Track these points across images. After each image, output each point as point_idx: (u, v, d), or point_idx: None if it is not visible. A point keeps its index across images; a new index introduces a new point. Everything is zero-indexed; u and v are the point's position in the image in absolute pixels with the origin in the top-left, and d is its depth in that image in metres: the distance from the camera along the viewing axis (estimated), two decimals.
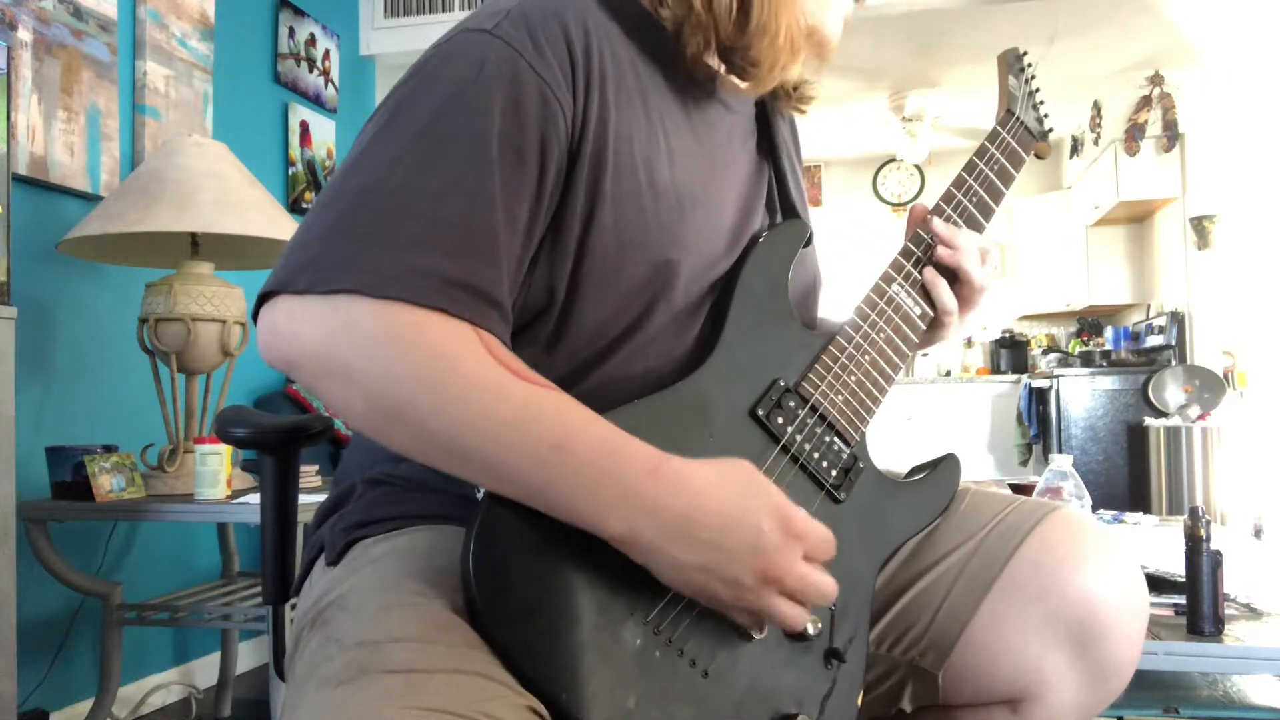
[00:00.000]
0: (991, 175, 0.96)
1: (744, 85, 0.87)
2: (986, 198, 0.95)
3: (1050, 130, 1.05)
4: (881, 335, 0.86)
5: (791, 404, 0.79)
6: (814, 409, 0.80)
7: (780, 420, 0.78)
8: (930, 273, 0.90)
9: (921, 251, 0.91)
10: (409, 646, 0.61)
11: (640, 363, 0.78)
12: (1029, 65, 1.05)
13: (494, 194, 0.69)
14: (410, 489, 0.79)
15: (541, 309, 0.76)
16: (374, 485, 0.81)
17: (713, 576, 0.66)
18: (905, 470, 0.91)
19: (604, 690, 0.63)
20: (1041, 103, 1.04)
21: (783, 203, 0.93)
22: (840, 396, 0.82)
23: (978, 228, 0.93)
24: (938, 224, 0.91)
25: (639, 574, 0.66)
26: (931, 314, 0.91)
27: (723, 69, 0.86)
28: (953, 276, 0.91)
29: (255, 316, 0.70)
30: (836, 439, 0.81)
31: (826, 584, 0.69)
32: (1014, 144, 0.98)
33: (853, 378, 0.83)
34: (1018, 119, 1.00)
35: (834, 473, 0.80)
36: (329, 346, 0.66)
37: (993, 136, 0.98)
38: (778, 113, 0.96)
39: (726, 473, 0.68)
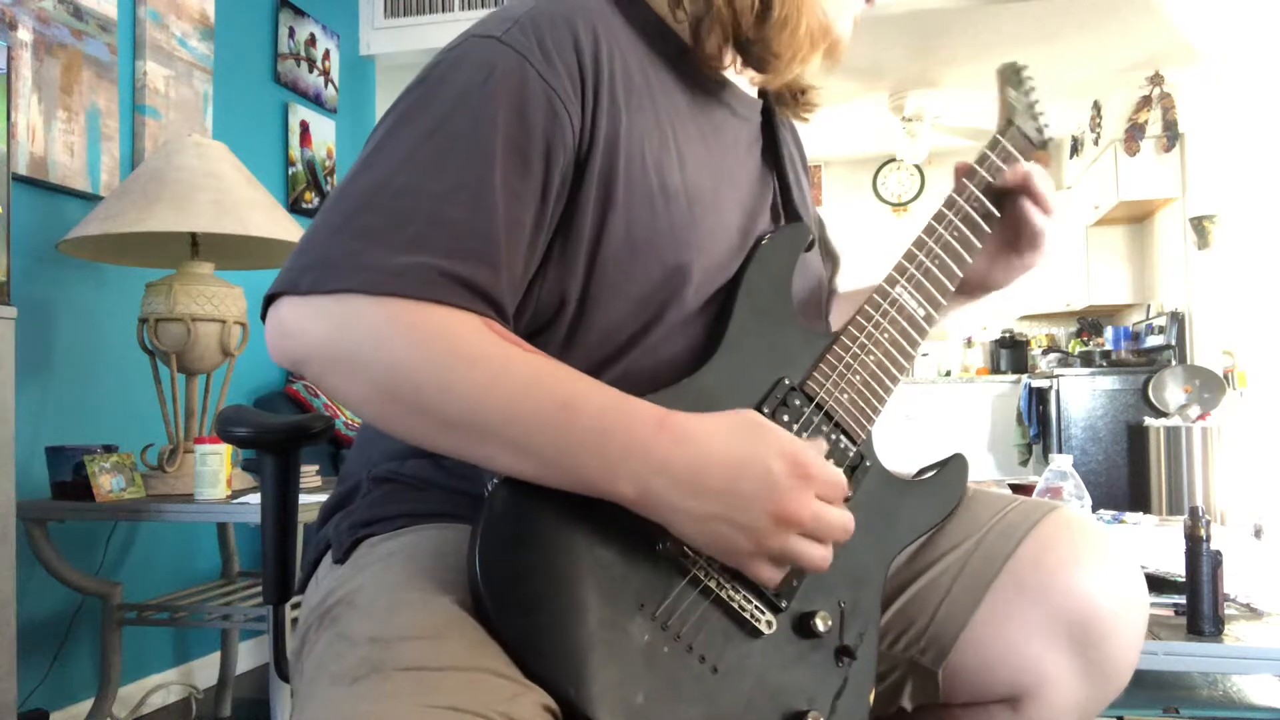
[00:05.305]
0: (991, 181, 0.96)
1: (763, 76, 0.88)
2: (988, 203, 0.95)
3: (1049, 140, 1.05)
4: (886, 336, 0.86)
5: (796, 402, 0.79)
6: (819, 407, 0.80)
7: (785, 418, 0.78)
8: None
9: (934, 241, 0.91)
10: (421, 644, 0.61)
11: (650, 361, 0.78)
12: (1029, 79, 1.05)
13: (496, 198, 0.70)
14: (416, 487, 0.80)
15: (554, 314, 0.77)
16: (380, 483, 0.82)
17: (729, 525, 0.66)
18: (910, 471, 0.91)
19: (612, 686, 0.63)
20: (1041, 113, 1.05)
21: (786, 208, 0.93)
22: (846, 395, 0.82)
23: (979, 233, 0.93)
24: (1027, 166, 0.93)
25: (647, 568, 0.67)
26: (936, 316, 0.90)
27: (737, 64, 0.87)
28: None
29: (264, 318, 0.71)
30: (843, 437, 0.81)
31: (843, 518, 0.69)
32: (1014, 151, 0.99)
33: (858, 377, 0.83)
34: (1017, 127, 1.00)
35: (840, 470, 0.80)
36: (334, 341, 0.67)
37: (993, 144, 0.98)
38: (782, 120, 0.96)
39: (732, 421, 0.69)
